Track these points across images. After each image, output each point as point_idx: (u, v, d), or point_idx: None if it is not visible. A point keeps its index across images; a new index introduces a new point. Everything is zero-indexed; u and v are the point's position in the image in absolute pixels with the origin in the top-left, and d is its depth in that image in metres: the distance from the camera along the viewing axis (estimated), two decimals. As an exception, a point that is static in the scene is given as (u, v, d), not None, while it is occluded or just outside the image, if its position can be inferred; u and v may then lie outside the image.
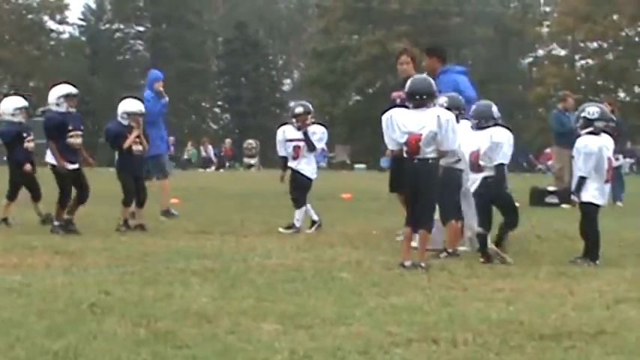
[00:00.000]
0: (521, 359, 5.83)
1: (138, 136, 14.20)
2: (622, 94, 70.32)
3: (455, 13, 74.19)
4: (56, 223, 13.26)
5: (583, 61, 74.49)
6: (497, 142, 10.47)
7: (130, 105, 14.36)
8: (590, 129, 10.43)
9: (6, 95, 15.63)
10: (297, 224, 14.00)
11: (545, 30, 79.04)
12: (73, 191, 13.34)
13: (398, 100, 11.76)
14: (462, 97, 11.40)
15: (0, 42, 75.21)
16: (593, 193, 10.44)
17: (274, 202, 20.16)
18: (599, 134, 10.45)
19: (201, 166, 54.95)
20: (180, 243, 12.08)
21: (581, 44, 73.50)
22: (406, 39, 63.22)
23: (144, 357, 5.71)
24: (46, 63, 76.00)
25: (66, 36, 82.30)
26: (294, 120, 14.58)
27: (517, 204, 10.96)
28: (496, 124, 10.63)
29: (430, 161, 9.90)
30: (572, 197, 10.83)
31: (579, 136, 10.54)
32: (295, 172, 14.45)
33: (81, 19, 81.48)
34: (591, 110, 10.54)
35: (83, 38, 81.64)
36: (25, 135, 14.61)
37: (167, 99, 16.63)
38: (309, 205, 14.33)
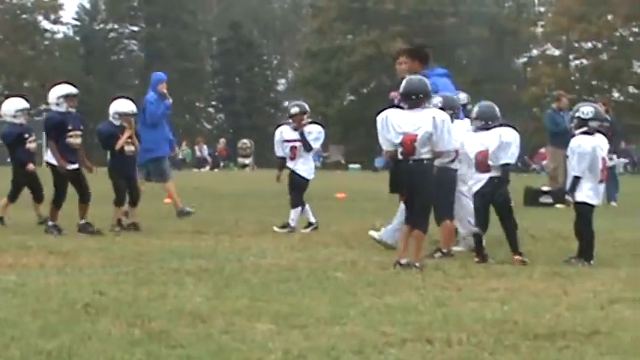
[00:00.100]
0: (515, 359, 5.83)
1: (130, 137, 14.19)
2: (616, 94, 70.44)
3: (450, 13, 74.24)
4: (50, 223, 13.24)
5: (577, 61, 74.60)
6: (507, 142, 10.47)
7: (121, 105, 14.34)
8: (585, 129, 10.44)
9: (7, 97, 15.60)
10: (292, 224, 14.02)
11: (539, 30, 79.15)
12: (72, 193, 13.34)
13: (396, 101, 11.74)
14: None
15: (-6, 42, 75.25)
16: (588, 193, 10.45)
17: (269, 201, 20.16)
18: (594, 134, 10.46)
19: (195, 166, 54.93)
20: (174, 243, 12.07)
21: (576, 44, 73.60)
22: (401, 39, 63.24)
23: (138, 357, 5.70)
24: (40, 63, 75.94)
25: (60, 36, 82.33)
26: (290, 120, 14.60)
27: (512, 204, 10.96)
28: (501, 124, 10.66)
29: (425, 162, 9.90)
30: (567, 197, 10.83)
31: (573, 135, 10.55)
32: (292, 173, 14.47)
33: (75, 19, 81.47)
34: (585, 110, 10.55)
35: (77, 38, 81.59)
36: (26, 136, 14.61)
37: (171, 100, 16.67)
38: (307, 206, 14.35)
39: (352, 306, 7.39)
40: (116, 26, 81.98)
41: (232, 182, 33.68)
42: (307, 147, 14.42)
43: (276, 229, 13.93)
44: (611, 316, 7.16)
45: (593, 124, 10.46)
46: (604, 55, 71.59)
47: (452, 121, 10.38)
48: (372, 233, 11.84)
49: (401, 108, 10.14)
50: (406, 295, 8.00)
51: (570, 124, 10.69)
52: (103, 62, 77.76)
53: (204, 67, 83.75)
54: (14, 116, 14.62)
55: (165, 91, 16.48)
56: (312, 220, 14.32)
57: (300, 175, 14.41)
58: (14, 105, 14.78)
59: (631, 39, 70.91)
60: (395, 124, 9.91)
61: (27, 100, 15.08)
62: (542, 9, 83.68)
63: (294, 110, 14.63)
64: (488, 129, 10.58)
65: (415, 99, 9.96)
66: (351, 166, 59.68)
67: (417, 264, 9.72)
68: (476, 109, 10.80)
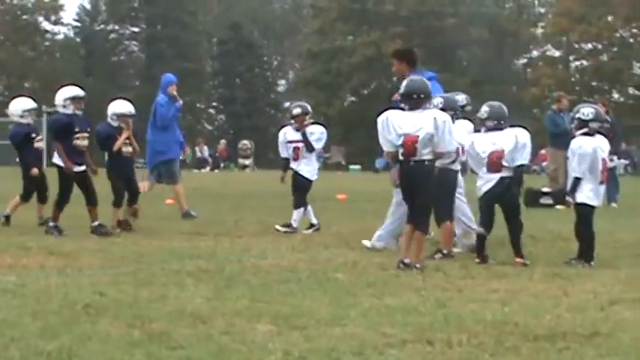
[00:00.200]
0: (515, 360, 5.85)
1: (128, 138, 14.18)
2: (616, 95, 70.41)
3: (450, 14, 74.21)
4: (51, 224, 13.23)
5: (577, 62, 74.55)
6: (523, 143, 10.48)
7: (119, 106, 14.33)
8: (585, 130, 10.44)
9: (14, 97, 15.58)
10: (295, 224, 14.06)
11: (539, 31, 79.11)
12: (76, 195, 13.32)
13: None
14: None
15: (-5, 43, 75.28)
16: (588, 194, 10.45)
17: (269, 202, 20.16)
18: (594, 135, 10.46)
19: (195, 167, 54.87)
20: (174, 244, 12.06)
21: (576, 45, 73.54)
22: (401, 40, 63.27)
23: (138, 358, 5.71)
24: (40, 64, 76.01)
25: (61, 37, 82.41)
26: (292, 121, 14.62)
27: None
28: (512, 125, 10.68)
29: (426, 163, 9.91)
30: (567, 198, 10.83)
31: (574, 137, 10.55)
32: (295, 174, 14.49)
33: (76, 20, 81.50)
34: (586, 111, 10.55)
35: (78, 39, 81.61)
36: (34, 136, 14.60)
37: (181, 102, 16.74)
38: (309, 208, 14.37)
39: (353, 307, 7.39)
40: (117, 27, 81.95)
41: (233, 183, 33.66)
42: (309, 147, 14.43)
43: (278, 227, 13.95)
44: (612, 317, 7.16)
45: (594, 125, 10.46)
46: (604, 56, 71.54)
47: (452, 122, 10.40)
48: (365, 242, 11.82)
49: (401, 109, 10.14)
50: (407, 296, 8.00)
51: (571, 125, 10.69)
52: (103, 63, 77.77)
53: (204, 68, 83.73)
54: (21, 116, 14.63)
55: (175, 93, 16.56)
56: (314, 221, 14.32)
57: (303, 176, 14.42)
58: (21, 105, 14.78)
59: (631, 40, 70.86)
60: (396, 125, 9.92)
61: (34, 100, 15.07)
62: (542, 10, 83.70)
63: (296, 111, 14.64)
64: (500, 129, 10.56)
65: (416, 99, 9.97)
66: (352, 167, 59.69)
67: (418, 265, 9.72)
68: (487, 109, 10.72)
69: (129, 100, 14.65)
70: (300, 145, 14.46)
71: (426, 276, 9.26)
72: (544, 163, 41.95)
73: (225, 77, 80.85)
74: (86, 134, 13.35)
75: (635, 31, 70.18)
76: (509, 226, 10.56)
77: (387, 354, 5.90)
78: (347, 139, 69.38)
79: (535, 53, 79.67)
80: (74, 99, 13.28)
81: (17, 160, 15.07)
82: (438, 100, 11.08)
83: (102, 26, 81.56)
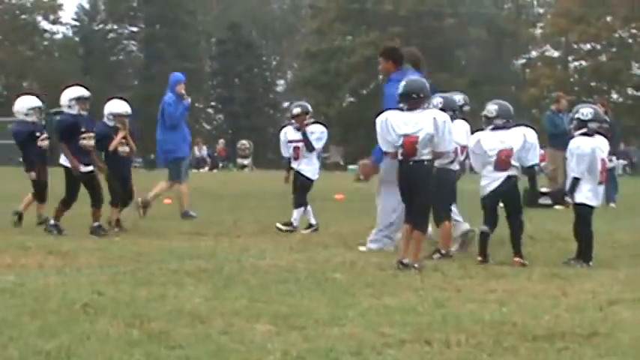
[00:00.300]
0: (514, 360, 5.85)
1: (124, 137, 14.17)
2: (615, 96, 70.44)
3: (448, 14, 74.22)
4: (52, 222, 13.21)
5: (576, 63, 74.57)
6: (531, 143, 10.50)
7: (115, 106, 14.31)
8: (584, 130, 10.44)
9: (19, 95, 15.57)
10: (295, 223, 14.09)
11: (538, 31, 79.13)
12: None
13: None
14: None
15: (-6, 42, 75.29)
16: (587, 194, 10.45)
17: (268, 202, 20.16)
18: (593, 135, 10.46)
19: (194, 167, 54.82)
20: (173, 243, 12.06)
21: (575, 46, 73.58)
22: (400, 40, 63.27)
23: (137, 357, 5.70)
24: (39, 63, 76.05)
25: (59, 36, 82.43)
26: (292, 121, 14.64)
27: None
28: (518, 124, 10.71)
29: (426, 163, 9.91)
30: (566, 198, 10.83)
31: (573, 137, 10.56)
32: (296, 173, 14.51)
33: (74, 20, 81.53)
34: (585, 111, 10.56)
35: (77, 38, 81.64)
36: (37, 134, 14.59)
37: (189, 100, 16.81)
38: (309, 208, 14.38)
39: (351, 307, 7.39)
40: (115, 27, 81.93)
41: (231, 183, 33.66)
42: (309, 147, 14.44)
43: (279, 225, 13.98)
44: (610, 317, 7.17)
45: (593, 125, 10.46)
46: (603, 56, 71.56)
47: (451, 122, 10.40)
48: (361, 248, 11.80)
49: (400, 109, 10.12)
50: (405, 296, 8.00)
51: (570, 125, 10.69)
52: (102, 63, 77.76)
53: (203, 68, 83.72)
54: (26, 114, 14.63)
55: (183, 91, 16.61)
56: (313, 221, 14.34)
57: (304, 176, 14.45)
58: (27, 103, 14.78)
59: (630, 40, 70.90)
60: (395, 126, 9.91)
61: (39, 99, 15.06)
62: (541, 10, 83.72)
63: (297, 110, 14.66)
64: (507, 128, 10.56)
65: (416, 98, 9.96)
66: (350, 167, 59.64)
67: (416, 265, 9.72)
68: (495, 107, 10.67)
69: (125, 100, 14.64)
70: (301, 144, 14.49)
71: (424, 276, 9.26)
72: (542, 164, 42.00)
73: (224, 77, 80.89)
74: (92, 134, 13.35)
75: (634, 31, 70.23)
76: (511, 225, 10.56)
77: (385, 354, 5.90)
78: (346, 139, 69.37)
79: (534, 53, 79.71)
80: (79, 99, 13.28)
81: (20, 159, 15.05)
82: (437, 101, 11.09)
83: (101, 26, 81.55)
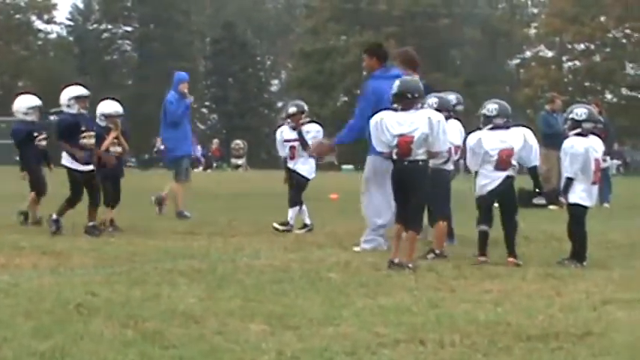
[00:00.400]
0: (508, 360, 5.85)
1: (116, 138, 14.14)
2: (609, 96, 70.52)
3: (443, 14, 74.28)
4: (55, 217, 13.12)
5: (570, 63, 74.68)
6: (531, 144, 10.53)
7: (107, 107, 14.28)
8: (578, 130, 10.45)
9: (19, 94, 15.56)
10: (291, 222, 14.10)
11: (532, 31, 79.27)
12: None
13: None
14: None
15: (-13, 42, 75.19)
16: (581, 194, 10.45)
17: (262, 202, 20.16)
18: (587, 135, 10.46)
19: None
20: (167, 243, 12.05)
21: (569, 46, 73.68)
22: (394, 40, 63.26)
23: (131, 357, 5.70)
24: (33, 63, 76.02)
25: (54, 36, 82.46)
26: (288, 120, 14.65)
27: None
28: (516, 124, 10.73)
29: (420, 163, 9.91)
30: (560, 198, 10.83)
31: (567, 137, 10.56)
32: (293, 172, 14.51)
33: (69, 19, 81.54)
34: (579, 112, 10.56)
35: (71, 38, 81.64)
36: (36, 134, 14.56)
37: (192, 99, 16.92)
38: (304, 207, 14.38)
39: (345, 307, 7.39)
40: (110, 26, 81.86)
41: (225, 183, 33.64)
42: (305, 146, 14.45)
43: (275, 225, 13.97)
44: (604, 317, 7.17)
45: (587, 125, 10.47)
46: (597, 56, 71.66)
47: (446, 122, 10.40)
48: (355, 249, 11.80)
49: (394, 109, 10.12)
50: (399, 296, 8.00)
51: (564, 125, 10.70)
52: (96, 62, 77.65)
53: (197, 68, 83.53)
54: (25, 113, 14.62)
55: (186, 90, 16.69)
56: (308, 221, 14.33)
57: (300, 175, 14.47)
58: (26, 102, 14.78)
59: (624, 40, 71.00)
60: (389, 126, 9.91)
61: (39, 98, 15.04)
62: (535, 10, 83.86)
63: (292, 110, 14.68)
64: (507, 127, 10.57)
65: (410, 98, 9.96)
66: (344, 166, 59.62)
67: (410, 265, 9.72)
68: (495, 106, 10.64)
69: (117, 100, 14.62)
70: (296, 144, 14.49)
71: (418, 276, 9.26)
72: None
73: (218, 77, 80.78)
74: (92, 133, 13.32)
75: (627, 31, 70.33)
76: (505, 225, 10.56)
77: (379, 354, 5.90)
78: (340, 139, 69.32)
79: (528, 54, 79.82)
80: (78, 98, 13.25)
81: (17, 158, 15.03)
82: (432, 100, 11.09)
83: (95, 25, 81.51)
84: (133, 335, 6.24)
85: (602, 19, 70.07)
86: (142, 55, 79.24)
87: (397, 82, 10.19)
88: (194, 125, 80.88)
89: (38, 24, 79.73)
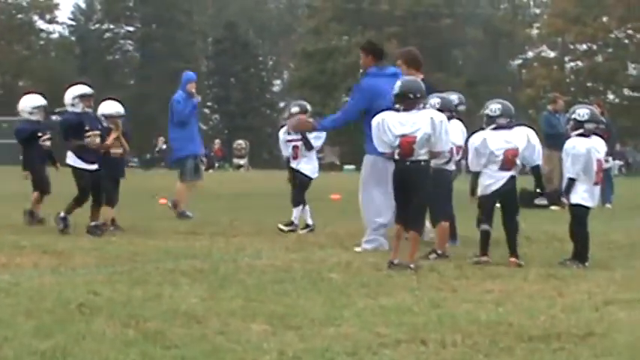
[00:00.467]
0: (510, 361, 5.85)
1: (117, 138, 14.13)
2: (611, 96, 70.49)
3: (445, 14, 74.25)
4: (62, 214, 13.11)
5: (572, 63, 74.65)
6: (534, 144, 10.52)
7: (108, 107, 14.27)
8: (581, 131, 10.44)
9: (25, 93, 15.56)
10: (296, 221, 14.12)
11: (535, 32, 79.23)
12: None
13: None
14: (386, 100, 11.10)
15: (-11, 41, 75.22)
16: (583, 195, 10.44)
17: (264, 202, 20.15)
18: (589, 136, 10.45)
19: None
20: (169, 243, 12.05)
21: (571, 46, 73.66)
22: (396, 40, 63.28)
23: (133, 357, 5.70)
24: (35, 63, 76.02)
25: (55, 36, 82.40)
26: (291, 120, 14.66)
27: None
28: (519, 124, 10.74)
29: (422, 163, 9.91)
30: (562, 199, 10.83)
31: (570, 137, 10.56)
32: (296, 172, 14.52)
33: (71, 19, 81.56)
34: (581, 112, 10.55)
35: (73, 38, 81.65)
36: (40, 134, 14.56)
37: (199, 99, 16.97)
38: (307, 208, 14.38)
39: (347, 307, 7.39)
40: (112, 26, 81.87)
41: (227, 183, 33.62)
42: (308, 146, 14.46)
43: (281, 226, 13.98)
44: (606, 317, 7.17)
45: (589, 126, 10.45)
46: (599, 57, 71.64)
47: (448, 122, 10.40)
48: (356, 249, 11.78)
49: (396, 110, 10.11)
50: (401, 296, 8.00)
51: (566, 126, 10.70)
52: (98, 62, 77.64)
53: (199, 68, 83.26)
54: (30, 113, 14.64)
55: (193, 90, 16.72)
56: (310, 222, 14.33)
57: (303, 174, 14.48)
58: (31, 102, 14.79)
59: (626, 41, 70.96)
60: (391, 126, 9.90)
61: (45, 98, 15.03)
62: (537, 11, 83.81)
63: (295, 109, 14.67)
64: (510, 127, 10.56)
65: (412, 98, 9.95)
66: (346, 167, 59.64)
67: (412, 265, 9.71)
68: (498, 106, 10.62)
69: (118, 101, 14.62)
70: (299, 143, 14.50)
71: (420, 276, 9.26)
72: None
73: (220, 77, 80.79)
74: (97, 132, 13.31)
75: (629, 32, 70.28)
76: (507, 225, 10.55)
77: (380, 354, 5.90)
78: (341, 139, 69.35)
79: (530, 54, 79.80)
80: (83, 97, 13.26)
81: (20, 157, 15.03)
82: (435, 101, 11.07)
83: (97, 25, 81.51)
84: (135, 335, 6.24)
85: (605, 19, 70.04)
86: (144, 55, 79.26)
87: (399, 83, 10.18)
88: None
89: (40, 24, 79.84)
